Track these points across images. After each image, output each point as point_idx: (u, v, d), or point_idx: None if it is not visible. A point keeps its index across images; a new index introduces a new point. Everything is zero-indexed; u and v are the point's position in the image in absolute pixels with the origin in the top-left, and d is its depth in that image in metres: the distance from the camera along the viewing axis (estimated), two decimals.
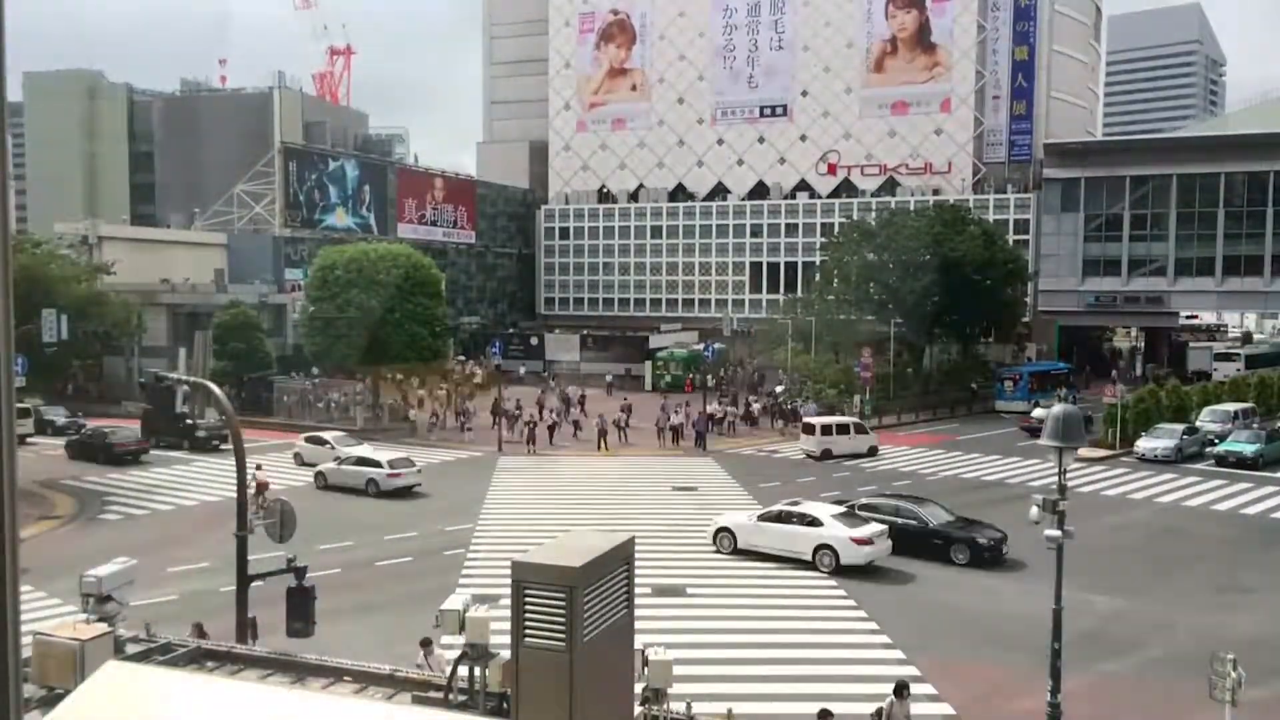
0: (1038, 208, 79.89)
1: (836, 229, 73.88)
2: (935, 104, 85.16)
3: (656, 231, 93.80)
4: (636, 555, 8.09)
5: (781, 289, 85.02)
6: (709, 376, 58.53)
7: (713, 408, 50.78)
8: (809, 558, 26.63)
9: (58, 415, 51.45)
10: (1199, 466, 42.04)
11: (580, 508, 34.17)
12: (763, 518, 28.15)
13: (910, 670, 19.67)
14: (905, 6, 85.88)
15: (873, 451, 45.12)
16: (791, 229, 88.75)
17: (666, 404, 50.40)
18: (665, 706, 9.84)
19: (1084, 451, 39.57)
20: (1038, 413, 49.81)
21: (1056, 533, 15.35)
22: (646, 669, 9.67)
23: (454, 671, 9.08)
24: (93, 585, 12.07)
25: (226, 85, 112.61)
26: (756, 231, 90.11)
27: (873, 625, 22.27)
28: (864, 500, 30.50)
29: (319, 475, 37.94)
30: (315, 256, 57.99)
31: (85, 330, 51.25)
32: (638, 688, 9.34)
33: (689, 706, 10.17)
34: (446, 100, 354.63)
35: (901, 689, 15.67)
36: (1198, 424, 46.72)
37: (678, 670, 10.48)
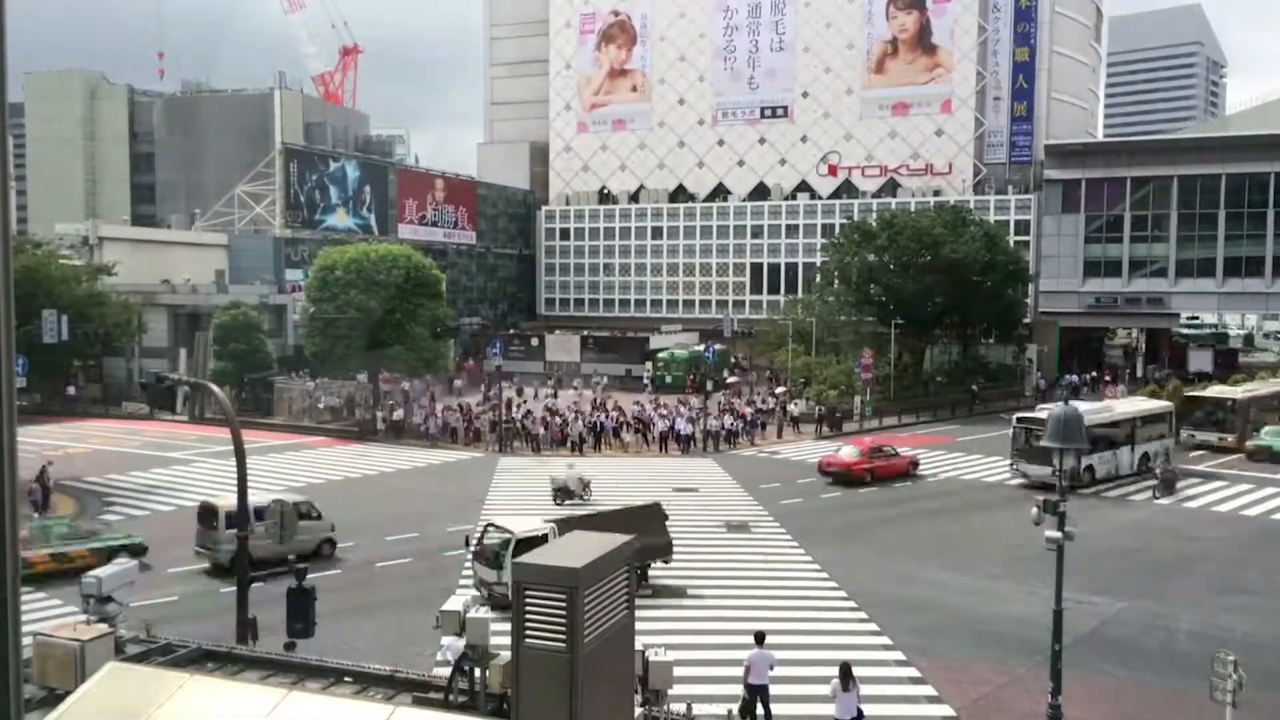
0: (1038, 209, 79.82)
1: (837, 230, 73.84)
2: (936, 105, 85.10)
3: (657, 232, 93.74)
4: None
5: (782, 290, 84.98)
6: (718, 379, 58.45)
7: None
8: None
9: None
10: None
11: (581, 509, 34.09)
12: None
13: (910, 671, 19.67)
14: (906, 7, 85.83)
15: None
16: (792, 230, 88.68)
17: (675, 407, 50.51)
18: (665, 707, 9.84)
19: None
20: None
21: (1057, 534, 15.35)
22: (647, 670, 9.66)
23: (454, 672, 9.07)
24: (93, 586, 12.08)
25: (164, 77, 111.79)
26: (757, 232, 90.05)
27: (873, 626, 22.25)
28: None
29: None
30: (316, 257, 57.93)
31: (85, 330, 51.30)
32: (638, 689, 9.32)
33: (689, 707, 10.17)
34: (447, 101, 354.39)
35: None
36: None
37: (678, 671, 10.47)
